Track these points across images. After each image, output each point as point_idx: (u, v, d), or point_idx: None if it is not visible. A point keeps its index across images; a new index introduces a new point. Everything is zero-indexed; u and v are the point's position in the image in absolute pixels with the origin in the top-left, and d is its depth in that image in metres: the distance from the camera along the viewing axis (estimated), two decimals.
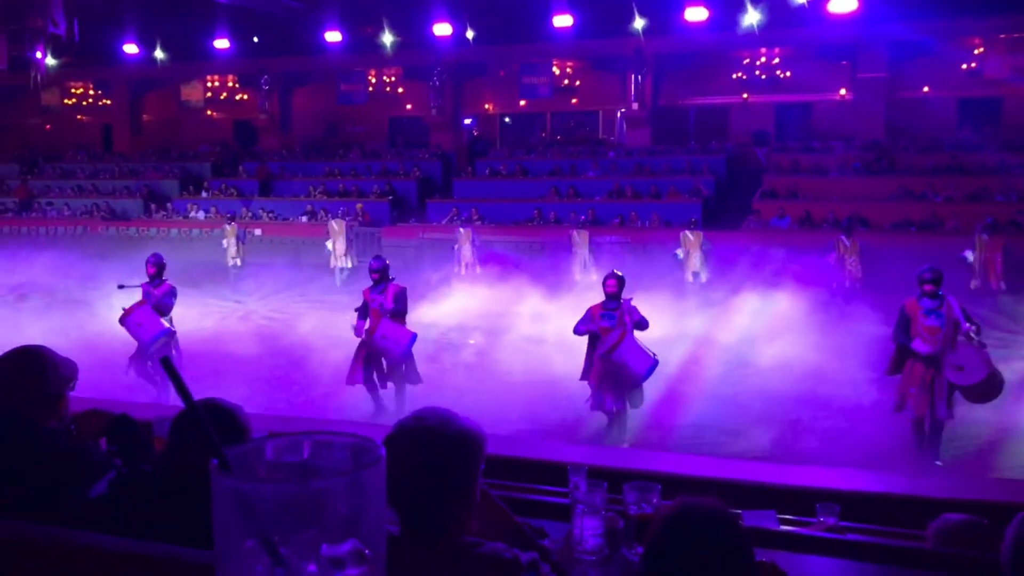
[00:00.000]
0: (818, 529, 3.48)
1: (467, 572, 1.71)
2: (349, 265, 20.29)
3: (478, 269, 18.93)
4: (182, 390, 0.72)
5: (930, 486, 5.45)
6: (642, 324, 8.38)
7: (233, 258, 20.62)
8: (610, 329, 8.30)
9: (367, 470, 0.66)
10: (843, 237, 16.66)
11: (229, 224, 21.05)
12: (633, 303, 8.52)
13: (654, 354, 8.38)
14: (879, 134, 23.36)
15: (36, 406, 2.56)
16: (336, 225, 20.64)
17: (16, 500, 2.01)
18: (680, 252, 17.74)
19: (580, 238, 19.25)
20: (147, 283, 9.64)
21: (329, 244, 20.42)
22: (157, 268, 9.66)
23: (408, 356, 9.35)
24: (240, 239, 20.73)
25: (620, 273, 8.75)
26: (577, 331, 8.62)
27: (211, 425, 0.69)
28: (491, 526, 2.25)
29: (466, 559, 1.76)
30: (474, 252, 19.38)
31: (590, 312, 8.60)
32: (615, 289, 8.47)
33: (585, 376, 8.63)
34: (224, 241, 20.76)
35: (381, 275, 9.41)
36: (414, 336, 9.41)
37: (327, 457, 0.71)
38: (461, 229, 19.86)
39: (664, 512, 2.03)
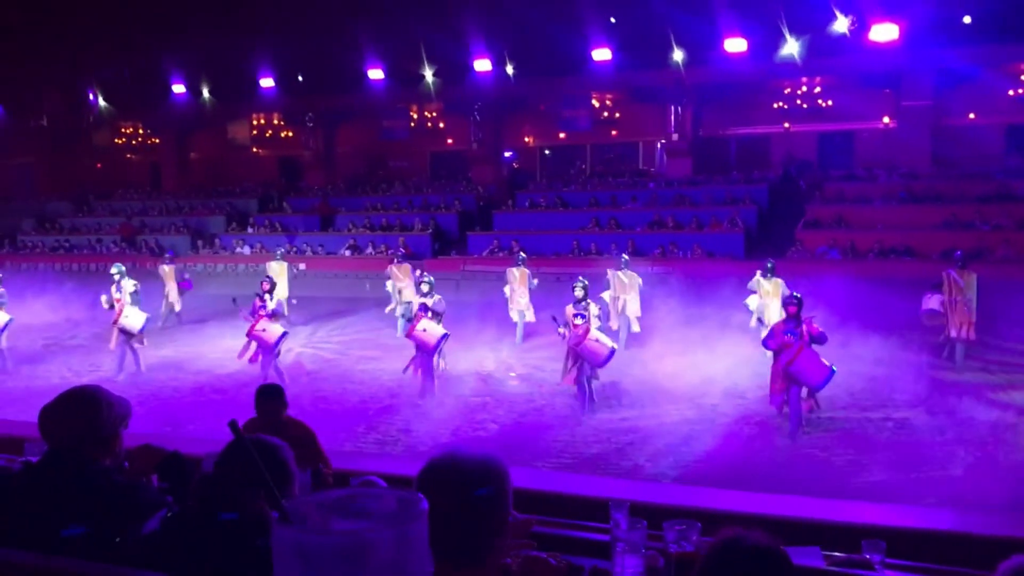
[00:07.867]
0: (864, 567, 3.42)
1: None
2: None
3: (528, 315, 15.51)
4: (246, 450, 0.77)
5: (980, 523, 5.33)
6: (820, 339, 9.60)
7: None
8: (791, 344, 9.58)
9: (412, 523, 0.71)
10: (953, 272, 13.55)
11: (278, 260, 19.35)
12: (814, 323, 9.73)
13: (830, 364, 9.58)
14: (924, 163, 23.09)
15: (91, 445, 2.60)
16: (399, 270, 17.38)
17: (72, 538, 2.08)
18: (753, 300, 13.93)
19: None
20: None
21: (389, 285, 17.39)
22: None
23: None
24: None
25: (799, 295, 9.95)
26: (766, 346, 10.12)
27: (269, 475, 0.74)
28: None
29: None
30: (529, 296, 15.58)
31: (774, 329, 10.07)
32: (796, 311, 9.76)
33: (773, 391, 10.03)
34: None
35: None
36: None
37: (376, 506, 0.76)
38: (515, 270, 15.92)
39: (711, 545, 1.97)
